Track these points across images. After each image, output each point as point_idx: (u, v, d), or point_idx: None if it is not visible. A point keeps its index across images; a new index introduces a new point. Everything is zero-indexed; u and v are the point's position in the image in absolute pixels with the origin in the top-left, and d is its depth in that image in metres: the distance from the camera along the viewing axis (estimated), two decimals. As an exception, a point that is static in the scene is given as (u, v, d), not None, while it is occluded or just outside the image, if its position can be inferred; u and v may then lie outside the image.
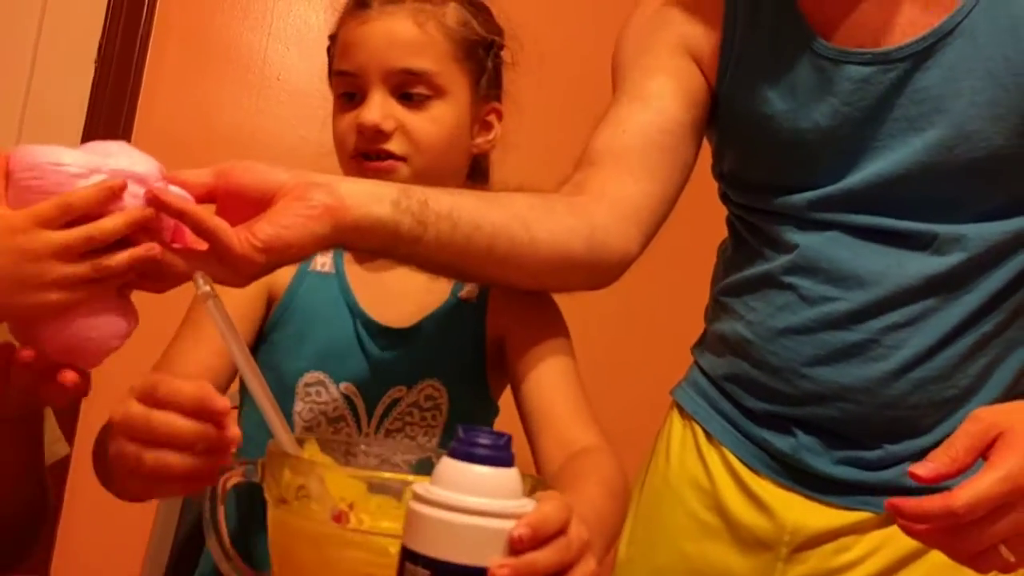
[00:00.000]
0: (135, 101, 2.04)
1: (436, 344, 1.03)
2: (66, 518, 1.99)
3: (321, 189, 0.77)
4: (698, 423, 1.04)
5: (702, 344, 1.08)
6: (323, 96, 1.11)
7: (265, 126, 2.08)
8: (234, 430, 0.65)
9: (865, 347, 0.92)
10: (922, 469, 0.69)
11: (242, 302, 1.01)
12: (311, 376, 1.02)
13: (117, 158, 0.74)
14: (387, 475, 0.68)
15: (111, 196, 0.71)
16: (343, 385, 1.01)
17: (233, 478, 0.70)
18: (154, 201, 0.72)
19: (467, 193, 0.90)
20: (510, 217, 0.87)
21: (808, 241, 0.95)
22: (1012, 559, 0.70)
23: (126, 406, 0.65)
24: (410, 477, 0.68)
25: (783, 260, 0.97)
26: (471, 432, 0.58)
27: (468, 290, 1.05)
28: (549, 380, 0.96)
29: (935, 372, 0.91)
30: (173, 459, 0.64)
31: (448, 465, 0.58)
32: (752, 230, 1.01)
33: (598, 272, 0.94)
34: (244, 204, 0.76)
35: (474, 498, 0.57)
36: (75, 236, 0.71)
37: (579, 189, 0.95)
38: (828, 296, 0.94)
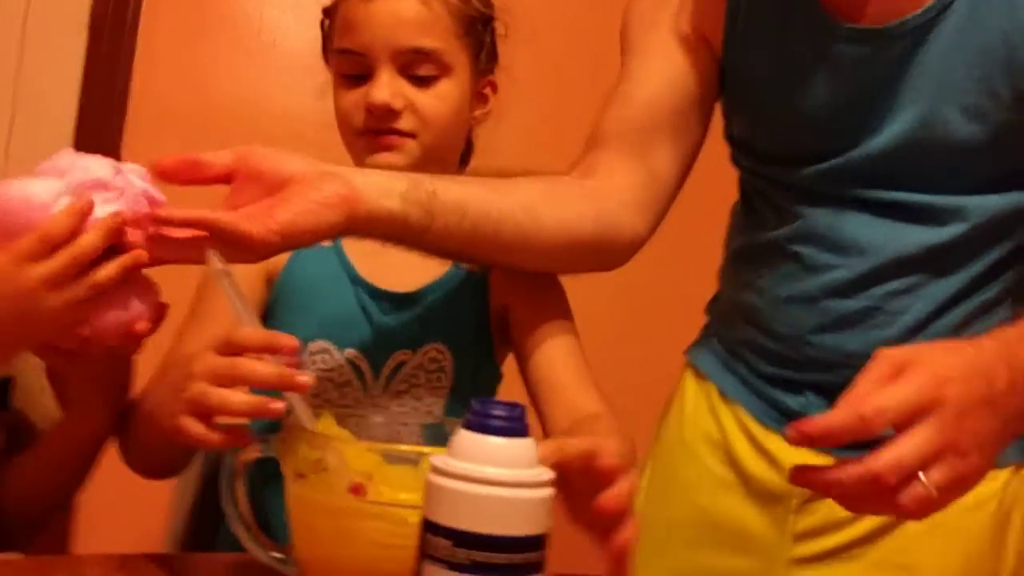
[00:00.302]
0: (130, 68, 2.03)
1: (440, 310, 1.05)
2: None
3: (336, 180, 0.80)
4: (712, 381, 1.06)
5: (716, 304, 1.10)
6: (320, 61, 1.12)
7: (262, 92, 2.07)
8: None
9: (867, 314, 0.93)
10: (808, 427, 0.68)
11: (242, 286, 0.97)
12: (315, 345, 1.04)
13: (72, 172, 0.78)
14: (404, 447, 0.69)
15: (83, 216, 0.76)
16: (348, 351, 1.03)
17: (251, 453, 0.71)
18: (161, 221, 0.76)
19: (475, 181, 0.91)
20: (517, 205, 0.89)
21: (811, 212, 0.96)
22: (931, 488, 0.68)
23: (206, 358, 0.72)
24: (426, 448, 0.69)
25: (787, 229, 0.97)
26: (486, 404, 0.59)
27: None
28: (555, 354, 0.99)
29: (938, 337, 0.92)
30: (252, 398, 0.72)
31: (464, 437, 0.59)
32: (760, 195, 1.02)
33: (607, 255, 0.97)
34: (256, 187, 0.79)
35: (492, 468, 0.58)
36: (61, 264, 0.75)
37: (589, 172, 0.97)
38: (830, 264, 0.94)
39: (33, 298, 0.74)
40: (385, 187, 0.83)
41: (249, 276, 1.04)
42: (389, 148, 1.04)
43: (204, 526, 1.14)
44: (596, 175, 0.97)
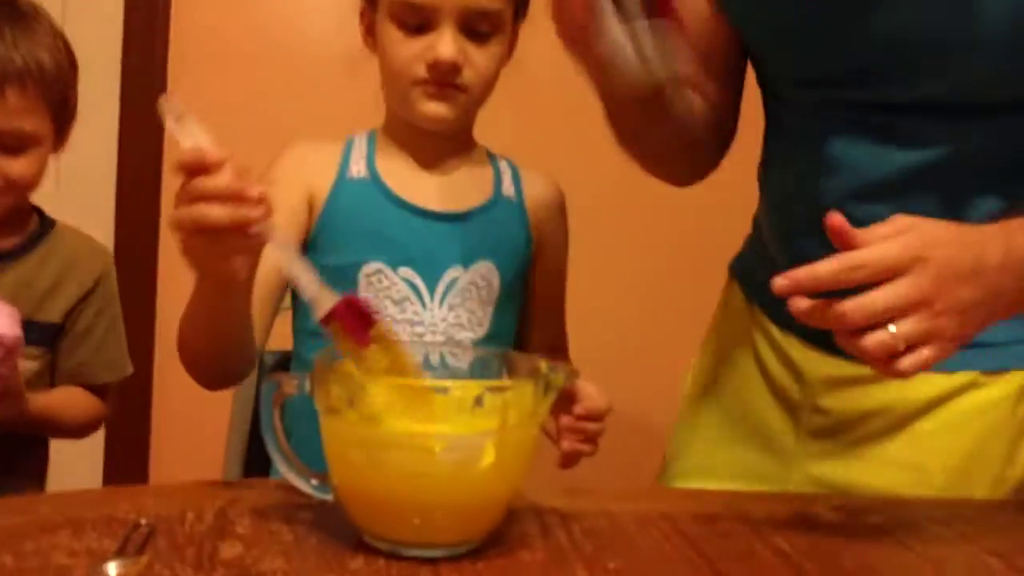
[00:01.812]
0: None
1: (487, 231, 1.16)
2: (156, 419, 2.11)
3: None
4: (741, 285, 1.10)
5: (756, 213, 1.12)
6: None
7: (307, 18, 2.09)
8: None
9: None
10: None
11: (286, 208, 1.11)
12: (370, 267, 1.13)
13: None
14: (427, 381, 0.72)
15: None
16: (402, 270, 1.13)
17: (287, 389, 0.76)
18: None
19: None
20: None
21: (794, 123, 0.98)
22: (899, 340, 0.71)
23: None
24: (448, 382, 0.73)
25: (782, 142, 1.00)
26: None
27: (507, 187, 1.20)
28: (560, 287, 1.27)
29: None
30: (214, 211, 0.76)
31: None
32: (766, 103, 1.03)
33: (697, 168, 1.05)
34: None
35: None
36: None
37: None
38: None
39: None
40: None
41: (293, 200, 1.14)
42: (444, 99, 1.11)
43: (259, 456, 1.21)
44: None
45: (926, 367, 0.72)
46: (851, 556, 0.76)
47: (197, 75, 2.08)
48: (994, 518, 0.88)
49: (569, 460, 1.09)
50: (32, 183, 1.24)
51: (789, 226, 1.01)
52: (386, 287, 1.13)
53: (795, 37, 0.93)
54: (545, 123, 1.84)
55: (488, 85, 1.14)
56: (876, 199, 0.90)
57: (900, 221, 0.75)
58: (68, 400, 1.31)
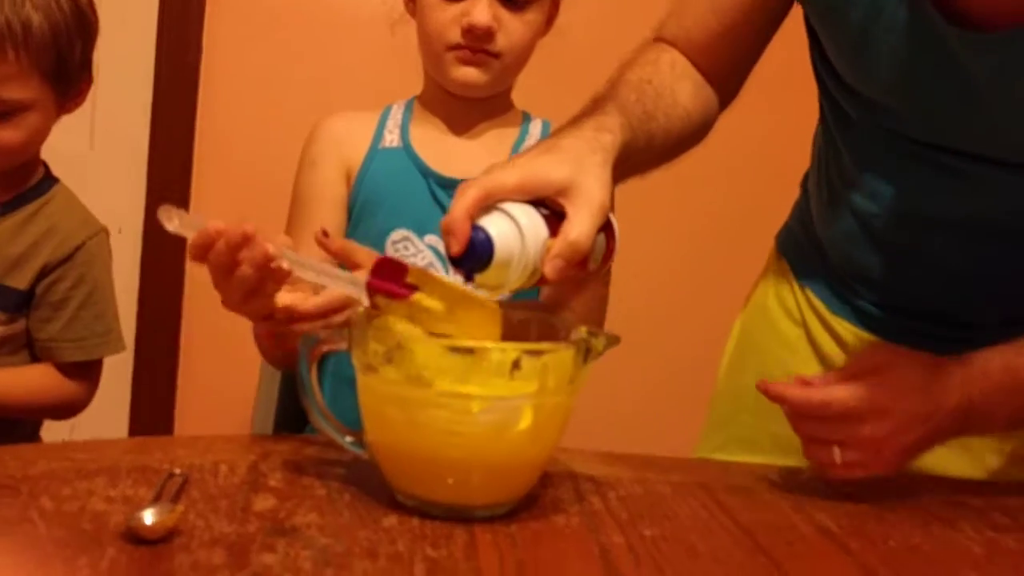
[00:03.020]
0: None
1: None
2: (182, 380, 2.12)
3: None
4: (787, 261, 1.08)
5: (803, 190, 1.09)
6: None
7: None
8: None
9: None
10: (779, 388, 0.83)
11: (327, 186, 1.17)
12: (397, 234, 1.15)
13: None
14: (468, 341, 0.71)
15: None
16: (427, 237, 1.14)
17: (324, 346, 0.75)
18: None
19: (631, 115, 0.88)
20: (680, 118, 0.92)
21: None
22: (838, 460, 0.81)
23: None
24: (489, 343, 0.72)
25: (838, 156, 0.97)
26: None
27: (529, 144, 1.18)
28: None
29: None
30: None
31: None
32: (828, 99, 0.99)
33: (704, 134, 1.00)
34: None
35: None
36: None
37: (680, 43, 0.98)
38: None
39: None
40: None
41: (331, 176, 1.17)
42: (477, 65, 1.13)
43: (288, 411, 1.21)
44: (683, 47, 0.98)
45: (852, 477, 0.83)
46: (897, 536, 0.75)
47: (234, 36, 2.07)
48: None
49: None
50: (18, 149, 1.19)
51: (837, 228, 0.99)
52: (412, 254, 1.15)
53: (889, 95, 0.88)
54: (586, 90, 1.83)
55: (522, 53, 1.15)
56: (927, 230, 0.90)
57: (876, 358, 0.83)
58: (20, 379, 1.24)
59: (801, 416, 0.83)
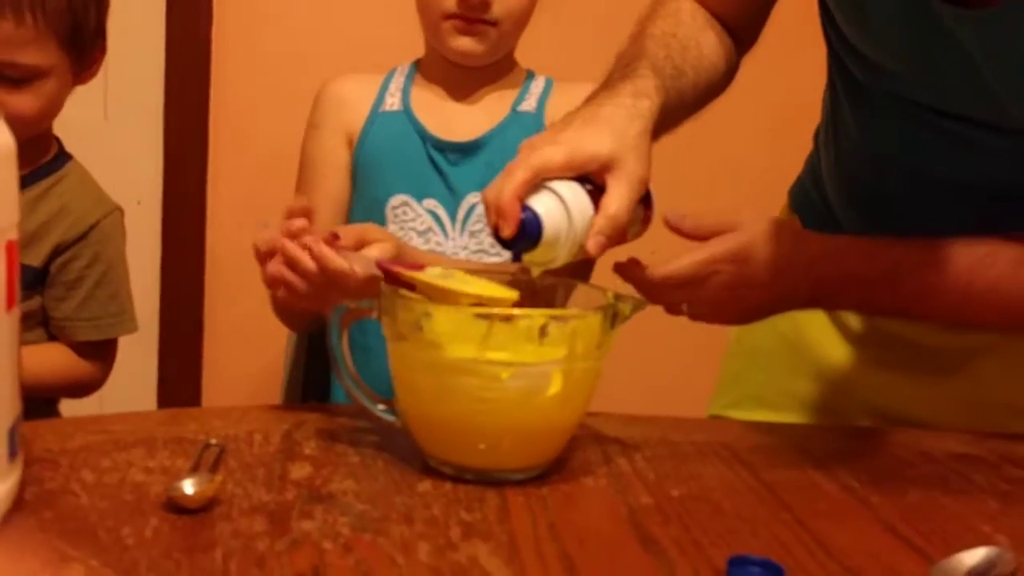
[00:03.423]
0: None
1: (502, 151, 1.15)
2: (207, 351, 2.14)
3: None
4: (798, 215, 1.08)
5: (815, 148, 1.09)
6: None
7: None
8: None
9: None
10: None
11: (328, 151, 1.18)
12: (396, 199, 1.17)
13: None
14: (495, 309, 0.72)
15: None
16: (426, 201, 1.16)
17: (355, 314, 0.76)
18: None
19: (664, 74, 0.88)
20: (707, 73, 0.93)
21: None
22: (687, 312, 0.86)
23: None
24: (516, 311, 0.73)
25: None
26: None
27: (527, 103, 1.19)
28: None
29: None
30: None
31: None
32: (835, 58, 0.99)
33: (727, 84, 1.00)
34: None
35: None
36: None
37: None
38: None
39: None
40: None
41: (331, 143, 1.19)
42: (473, 34, 1.12)
43: (316, 382, 1.23)
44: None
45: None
46: (917, 491, 0.76)
47: (245, 1, 2.06)
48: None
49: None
50: (35, 118, 1.19)
51: (844, 187, 0.99)
52: (411, 219, 1.16)
53: (891, 62, 0.89)
54: (589, 45, 1.82)
55: (520, 18, 1.14)
56: (932, 193, 0.90)
57: (731, 223, 0.84)
58: (35, 358, 1.24)
59: (648, 289, 0.84)
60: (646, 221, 0.81)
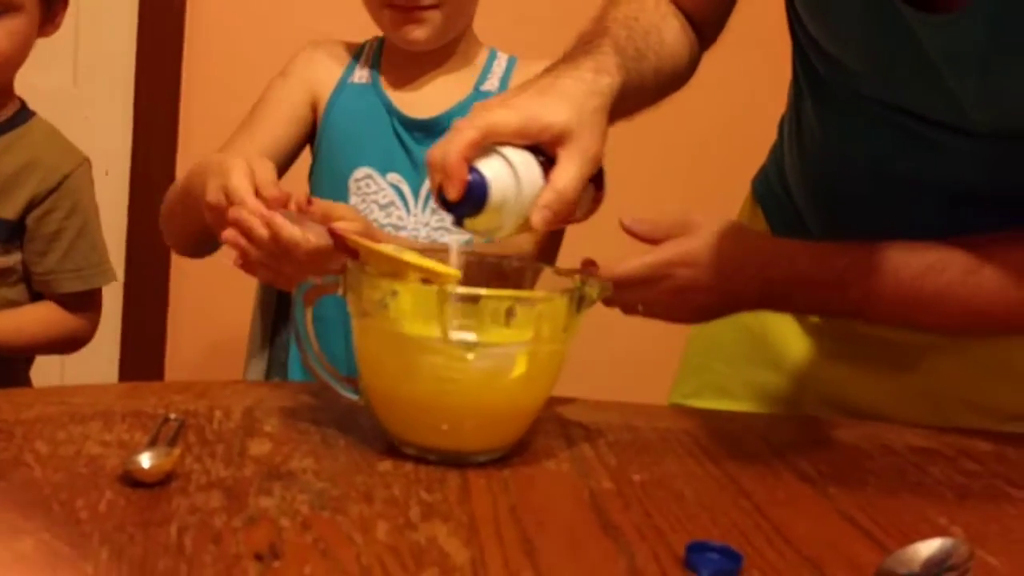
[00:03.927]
0: None
1: None
2: (171, 324, 2.12)
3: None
4: (760, 208, 1.08)
5: (779, 136, 1.09)
6: None
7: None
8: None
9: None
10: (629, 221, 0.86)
11: (287, 101, 1.17)
12: (360, 172, 1.17)
13: None
14: (463, 289, 0.71)
15: None
16: (389, 176, 1.16)
17: (320, 291, 0.76)
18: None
19: (626, 54, 0.86)
20: (666, 63, 0.92)
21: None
22: (641, 312, 0.88)
23: (238, 181, 0.86)
24: (483, 290, 0.72)
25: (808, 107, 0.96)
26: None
27: (490, 82, 1.19)
28: None
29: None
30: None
31: None
32: (799, 52, 0.98)
33: (689, 76, 0.99)
34: None
35: None
36: None
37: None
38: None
39: None
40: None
41: (295, 98, 1.18)
42: (416, 22, 1.11)
43: (278, 358, 1.22)
44: None
45: None
46: (875, 482, 0.77)
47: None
48: (1006, 449, 0.88)
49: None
50: (6, 56, 1.19)
51: (807, 181, 1.00)
52: (373, 192, 1.16)
53: (853, 61, 0.88)
54: (549, 22, 1.81)
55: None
56: (894, 191, 0.90)
57: (682, 224, 0.87)
58: (25, 318, 1.27)
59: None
60: (596, 201, 0.79)
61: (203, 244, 1.09)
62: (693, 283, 0.85)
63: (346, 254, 0.75)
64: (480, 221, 0.71)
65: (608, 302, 0.85)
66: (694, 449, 0.80)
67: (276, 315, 1.23)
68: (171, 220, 1.10)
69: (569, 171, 0.72)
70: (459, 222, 0.72)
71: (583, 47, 0.82)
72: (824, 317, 0.98)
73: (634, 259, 0.85)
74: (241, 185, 0.85)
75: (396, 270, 0.72)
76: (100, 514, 0.58)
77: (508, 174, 0.70)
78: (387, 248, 0.74)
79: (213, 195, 0.87)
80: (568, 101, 0.74)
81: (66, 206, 1.27)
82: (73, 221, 1.28)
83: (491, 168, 0.70)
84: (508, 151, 0.71)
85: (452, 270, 0.74)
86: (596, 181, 0.78)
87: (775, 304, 0.91)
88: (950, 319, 0.86)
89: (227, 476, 0.65)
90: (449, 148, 0.69)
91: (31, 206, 1.25)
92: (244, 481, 0.65)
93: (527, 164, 0.71)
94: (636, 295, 0.86)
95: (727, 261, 0.85)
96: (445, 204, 0.71)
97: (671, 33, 0.93)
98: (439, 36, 1.13)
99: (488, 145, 0.71)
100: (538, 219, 0.71)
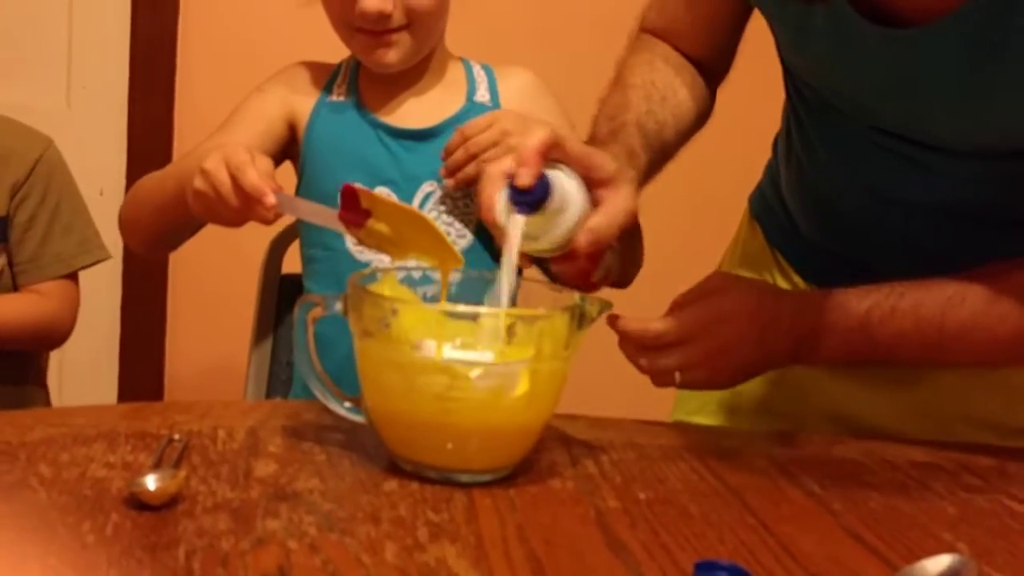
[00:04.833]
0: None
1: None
2: (170, 336, 2.11)
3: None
4: (759, 224, 1.09)
5: (775, 150, 1.10)
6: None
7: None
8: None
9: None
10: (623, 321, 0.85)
11: (263, 116, 1.16)
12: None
13: None
14: (460, 307, 0.72)
15: None
16: (379, 189, 1.12)
17: (321, 310, 0.76)
18: None
19: (648, 131, 0.92)
20: (676, 123, 0.96)
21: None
22: (678, 381, 0.86)
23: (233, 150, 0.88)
24: (482, 308, 0.72)
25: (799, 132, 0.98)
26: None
27: (481, 93, 1.18)
28: None
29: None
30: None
31: None
32: (790, 77, 0.99)
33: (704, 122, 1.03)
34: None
35: None
36: None
37: (668, 35, 1.01)
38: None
39: None
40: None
41: (272, 112, 1.17)
42: (385, 46, 1.10)
43: (279, 376, 1.22)
44: (674, 41, 1.01)
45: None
46: (878, 498, 0.77)
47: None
48: (1007, 464, 0.89)
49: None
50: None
51: (802, 201, 1.01)
52: None
53: (828, 87, 0.90)
54: (522, 32, 1.81)
55: (432, 14, 1.10)
56: (887, 210, 0.91)
57: (709, 284, 0.87)
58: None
59: (632, 349, 0.86)
60: (615, 277, 0.87)
61: (169, 237, 1.12)
62: (737, 340, 0.84)
63: (349, 224, 0.77)
64: (534, 221, 0.76)
65: (641, 369, 0.85)
66: (698, 466, 0.80)
67: (276, 332, 1.23)
68: (138, 211, 1.10)
69: (618, 204, 0.79)
70: (525, 211, 0.75)
71: (608, 124, 0.89)
72: (856, 364, 0.95)
73: (668, 318, 0.84)
74: (244, 158, 0.87)
75: (399, 238, 0.74)
76: (107, 538, 0.58)
77: (570, 184, 0.77)
78: (404, 205, 0.76)
79: (212, 163, 0.88)
80: (615, 159, 0.82)
81: (39, 190, 1.27)
82: (46, 205, 1.28)
83: (555, 175, 0.77)
84: (568, 170, 0.78)
85: (458, 253, 0.77)
86: (625, 257, 0.86)
87: (805, 356, 0.88)
88: (980, 349, 0.86)
89: (233, 498, 0.65)
90: (526, 143, 0.75)
91: (12, 196, 1.25)
92: (250, 503, 0.64)
93: (581, 187, 0.78)
94: (673, 359, 0.84)
95: (767, 315, 0.85)
96: (515, 197, 0.75)
97: (685, 90, 0.97)
98: (411, 57, 1.12)
99: (551, 159, 0.77)
100: (584, 240, 0.77)
